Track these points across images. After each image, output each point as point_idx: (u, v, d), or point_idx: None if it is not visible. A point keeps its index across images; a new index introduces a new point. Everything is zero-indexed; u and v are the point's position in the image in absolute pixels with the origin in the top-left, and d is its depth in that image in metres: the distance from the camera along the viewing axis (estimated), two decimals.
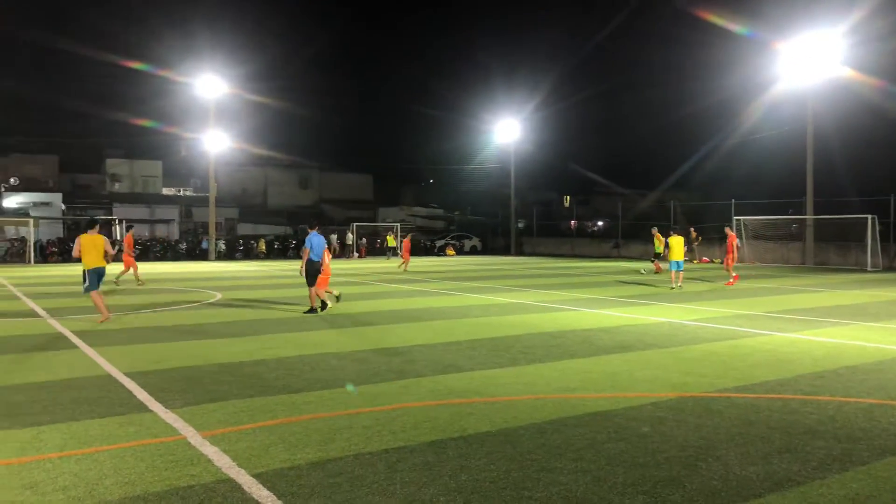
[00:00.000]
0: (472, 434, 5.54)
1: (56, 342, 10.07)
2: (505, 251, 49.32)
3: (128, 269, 21.03)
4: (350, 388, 5.94)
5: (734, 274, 20.82)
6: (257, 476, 4.53)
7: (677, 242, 18.93)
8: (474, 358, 8.82)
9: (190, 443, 5.26)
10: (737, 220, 33.49)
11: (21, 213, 50.19)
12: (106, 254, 12.36)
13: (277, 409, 6.30)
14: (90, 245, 12.28)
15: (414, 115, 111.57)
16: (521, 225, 52.47)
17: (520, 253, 47.84)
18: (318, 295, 13.71)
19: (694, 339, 10.42)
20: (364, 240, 47.38)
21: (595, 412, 6.20)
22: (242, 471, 4.63)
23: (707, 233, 35.19)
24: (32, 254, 36.80)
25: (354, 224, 47.55)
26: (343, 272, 27.97)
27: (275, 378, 7.59)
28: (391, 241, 43.33)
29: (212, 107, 40.92)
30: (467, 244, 51.30)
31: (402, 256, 30.91)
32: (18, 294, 17.71)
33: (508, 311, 13.91)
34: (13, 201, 53.96)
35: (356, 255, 44.78)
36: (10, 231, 45.71)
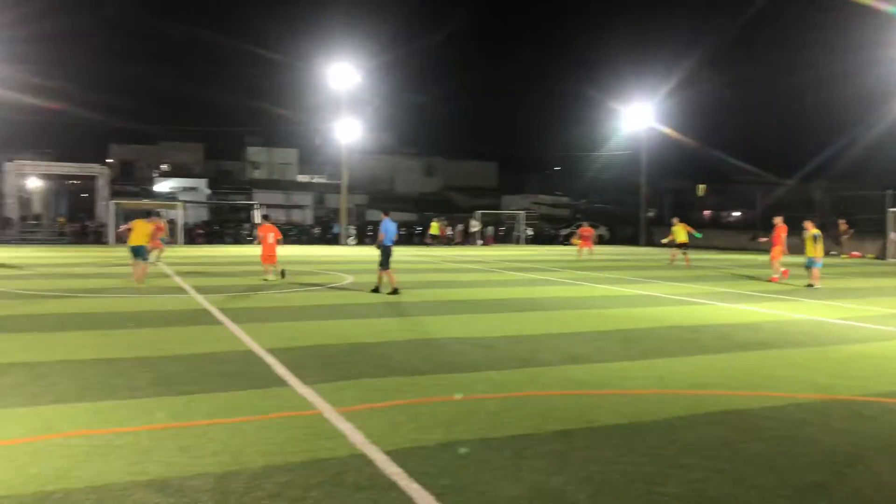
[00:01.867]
0: (600, 426, 5.45)
1: (203, 317, 10.78)
2: (633, 241, 48.00)
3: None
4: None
5: (782, 269, 18.34)
6: (389, 453, 4.67)
7: (811, 237, 17.10)
8: (602, 349, 8.66)
9: (325, 417, 5.49)
10: (893, 212, 30.94)
11: (171, 197, 54.00)
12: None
13: (406, 389, 6.46)
14: (141, 228, 15.97)
15: (540, 102, 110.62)
16: (650, 214, 50.83)
17: (649, 243, 46.42)
18: (387, 276, 14.31)
19: (841, 338, 9.73)
20: (490, 227, 47.56)
21: (730, 410, 5.92)
22: (375, 447, 4.79)
23: (861, 225, 32.76)
24: (181, 235, 39.55)
25: (479, 211, 47.82)
26: (467, 260, 28.24)
27: (403, 360, 7.78)
28: (434, 228, 43.38)
29: (344, 96, 42.28)
30: (594, 233, 50.26)
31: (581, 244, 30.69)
32: (169, 272, 19.11)
33: (637, 303, 13.54)
34: (164, 186, 58.19)
35: (480, 242, 45.04)
36: (162, 213, 49.44)
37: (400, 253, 31.70)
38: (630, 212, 51.89)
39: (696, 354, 8.41)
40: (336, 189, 49.71)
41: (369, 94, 46.32)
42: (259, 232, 17.65)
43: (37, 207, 50.20)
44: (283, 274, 17.25)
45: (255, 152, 68.00)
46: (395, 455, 4.64)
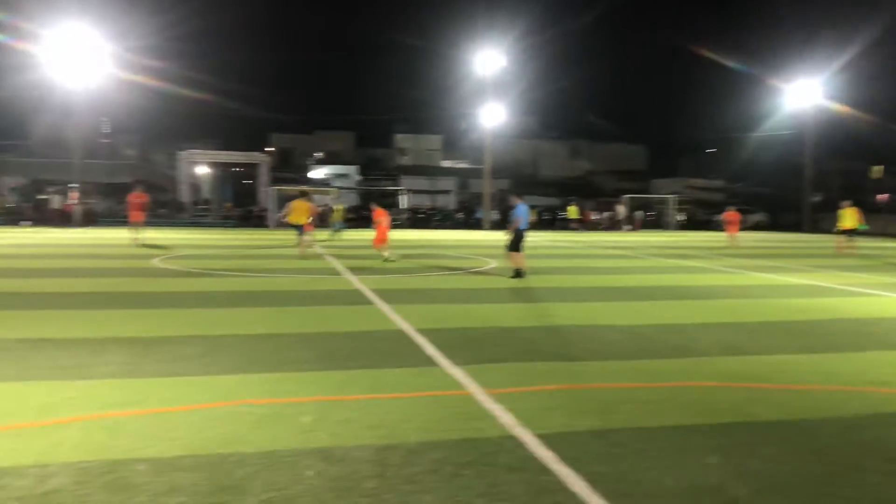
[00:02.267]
0: (761, 421, 5.16)
1: (357, 297, 11.27)
2: (796, 227, 44.88)
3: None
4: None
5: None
6: (540, 437, 4.67)
7: None
8: (761, 341, 8.18)
9: (475, 399, 5.58)
10: None
11: (325, 183, 56.64)
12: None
13: (556, 375, 6.42)
14: (301, 207, 19.28)
15: (693, 82, 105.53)
16: (816, 198, 47.26)
17: (815, 230, 43.22)
18: (512, 260, 14.36)
19: None
20: (639, 212, 46.18)
21: None
22: (525, 430, 4.81)
23: None
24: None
25: (626, 196, 46.54)
26: (614, 245, 27.61)
27: (552, 346, 7.74)
28: (573, 212, 41.85)
29: (490, 81, 42.43)
30: (751, 219, 47.42)
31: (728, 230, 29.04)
32: (324, 254, 20.09)
33: (801, 294, 12.67)
34: (319, 173, 61.15)
35: (628, 227, 43.85)
36: (317, 199, 52.06)
37: (542, 238, 31.52)
38: (793, 196, 48.51)
39: (871, 350, 7.75)
40: (479, 174, 50.11)
41: (514, 79, 46.15)
42: (375, 217, 18.55)
43: (205, 193, 54.43)
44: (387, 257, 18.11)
45: (402, 139, 69.93)
46: (547, 439, 4.63)
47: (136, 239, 23.13)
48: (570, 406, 5.43)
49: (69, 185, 40.64)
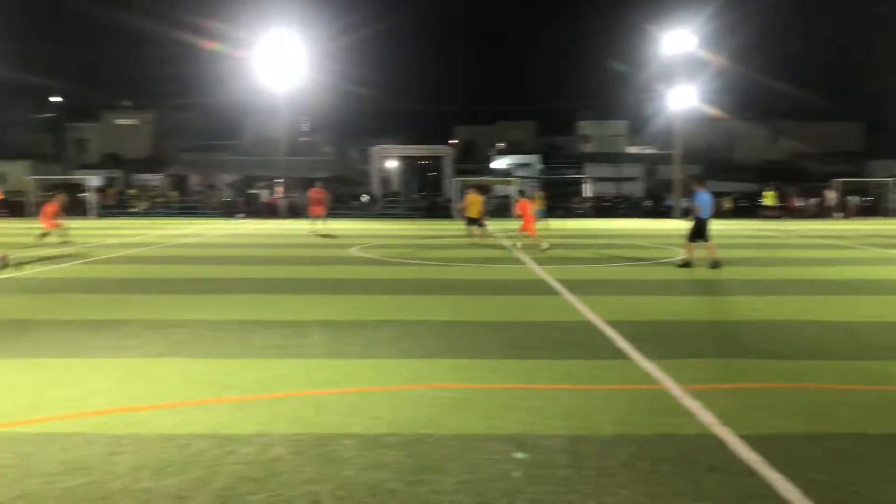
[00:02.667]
0: None
1: (541, 287, 11.25)
2: None
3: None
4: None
5: None
6: (743, 437, 4.40)
7: None
8: None
9: (671, 394, 5.37)
10: None
11: (507, 173, 57.09)
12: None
13: (759, 373, 6.02)
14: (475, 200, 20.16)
15: None
16: None
17: None
18: (688, 250, 13.78)
19: None
20: (854, 197, 41.96)
21: None
22: (726, 429, 4.55)
23: None
24: (516, 209, 41.64)
25: (837, 180, 42.48)
26: (822, 234, 25.35)
27: (754, 341, 7.26)
28: (770, 198, 37.77)
29: (679, 62, 40.49)
30: None
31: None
32: (507, 244, 20.27)
33: None
34: (501, 163, 61.75)
35: (839, 214, 40.03)
36: (498, 189, 52.68)
37: (739, 227, 29.59)
38: None
39: None
40: (668, 160, 48.03)
41: (706, 58, 43.61)
42: (519, 208, 18.70)
43: (395, 185, 56.93)
44: (517, 246, 18.26)
45: (585, 126, 68.72)
46: (752, 440, 4.35)
47: (314, 231, 24.68)
48: (777, 406, 5.06)
49: (275, 181, 44.28)
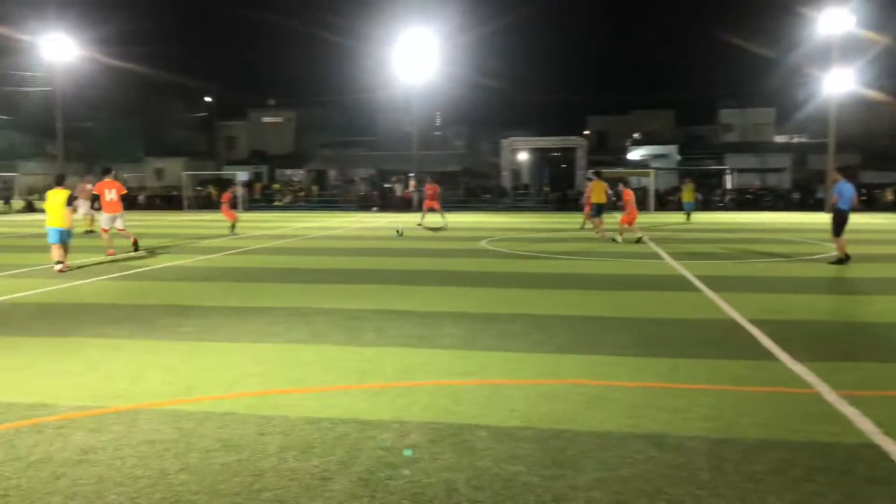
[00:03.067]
0: None
1: (680, 283, 10.85)
2: None
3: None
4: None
5: None
6: None
7: None
8: None
9: (824, 399, 5.03)
10: None
11: (642, 164, 55.39)
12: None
13: None
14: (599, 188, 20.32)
15: None
16: None
17: None
18: (838, 245, 12.97)
19: None
20: None
21: None
22: (890, 439, 4.21)
23: None
24: (652, 202, 40.37)
25: None
26: None
27: None
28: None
29: (835, 43, 37.63)
30: None
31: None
32: (644, 238, 19.69)
33: None
34: (636, 154, 59.98)
35: None
36: (633, 181, 51.16)
37: None
38: None
39: None
40: (820, 149, 44.84)
41: (867, 38, 40.22)
42: (624, 198, 18.05)
43: (525, 178, 56.69)
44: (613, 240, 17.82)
45: (727, 114, 65.37)
46: None
47: (423, 223, 25.09)
48: None
49: (408, 175, 45.32)
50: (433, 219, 25.79)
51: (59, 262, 12.40)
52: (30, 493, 3.59)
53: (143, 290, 10.27)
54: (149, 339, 7.01)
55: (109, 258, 14.23)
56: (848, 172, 13.56)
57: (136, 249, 15.14)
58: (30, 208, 41.17)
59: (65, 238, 12.60)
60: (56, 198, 12.69)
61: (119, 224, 15.00)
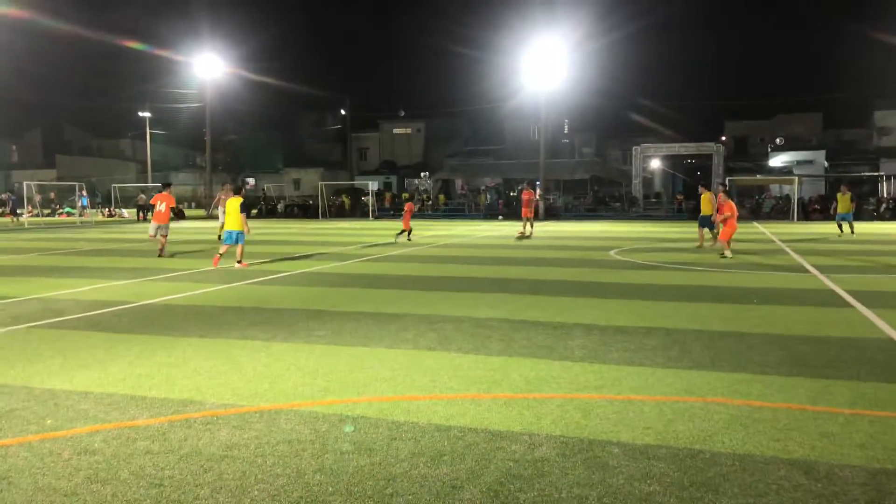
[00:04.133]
0: None
1: (830, 299, 10.11)
2: None
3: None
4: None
5: None
6: None
7: None
8: None
9: None
10: None
11: (785, 171, 52.27)
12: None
13: None
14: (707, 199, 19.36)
15: None
16: None
17: None
18: None
19: None
20: None
21: None
22: None
23: None
24: (796, 211, 38.00)
25: None
26: None
27: None
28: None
29: None
30: None
31: None
32: (787, 249, 18.53)
33: None
34: (778, 160, 56.70)
35: None
36: (775, 189, 48.31)
37: None
38: None
39: None
40: None
41: None
42: (725, 210, 16.31)
43: (657, 186, 54.94)
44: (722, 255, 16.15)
45: (883, 116, 60.49)
46: None
47: (521, 232, 24.43)
48: None
49: (535, 182, 45.12)
50: (527, 227, 24.86)
51: (238, 262, 14.57)
52: (181, 483, 3.83)
53: (283, 295, 10.79)
54: (287, 342, 7.34)
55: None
56: None
57: (160, 255, 16.67)
58: (179, 216, 44.35)
59: (238, 239, 14.51)
60: (233, 204, 14.53)
61: (161, 233, 16.60)
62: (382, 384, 5.73)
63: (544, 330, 7.85)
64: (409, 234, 22.25)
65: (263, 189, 57.48)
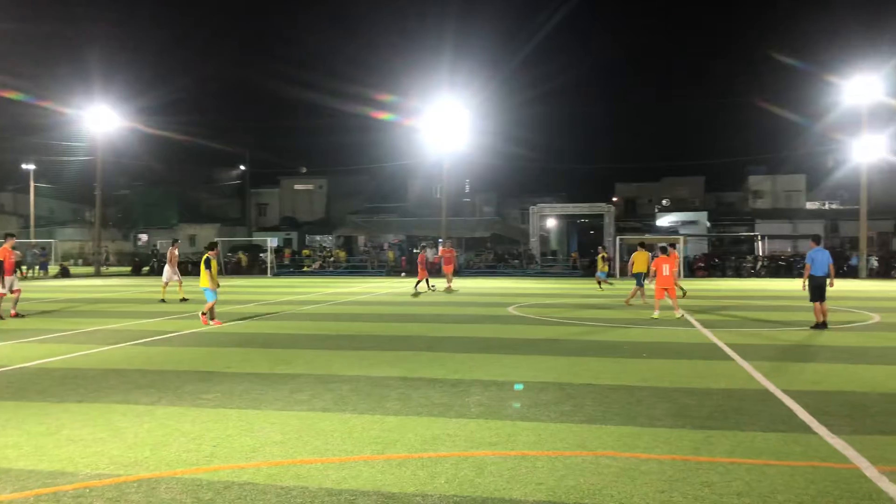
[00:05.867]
0: None
1: (712, 352, 10.61)
2: None
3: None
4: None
5: None
6: None
7: None
8: None
9: (865, 474, 4.81)
10: None
11: (671, 231, 55.11)
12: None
13: None
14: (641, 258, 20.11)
15: None
16: None
17: None
18: (817, 312, 13.54)
19: None
20: None
21: None
22: None
23: None
24: (682, 269, 39.95)
25: None
26: None
27: None
28: None
29: (863, 111, 37.63)
30: None
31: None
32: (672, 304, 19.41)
33: None
34: (665, 220, 59.77)
35: None
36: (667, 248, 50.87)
37: None
38: None
39: None
40: (853, 215, 44.36)
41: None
42: (653, 265, 16.47)
43: (553, 244, 56.66)
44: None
45: (757, 181, 65.24)
46: None
47: (449, 287, 26.38)
48: None
49: (437, 240, 45.59)
50: (451, 283, 26.84)
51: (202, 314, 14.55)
52: None
53: (171, 356, 10.32)
54: (173, 406, 6.99)
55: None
56: (819, 240, 14.36)
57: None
58: (64, 273, 42.01)
59: (207, 296, 14.43)
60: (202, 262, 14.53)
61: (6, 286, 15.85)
62: (273, 448, 5.54)
63: (442, 387, 7.84)
64: (427, 281, 25.66)
65: (153, 246, 55.41)
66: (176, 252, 21.58)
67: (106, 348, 11.11)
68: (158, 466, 5.06)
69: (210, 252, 14.64)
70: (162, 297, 21.29)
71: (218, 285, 14.57)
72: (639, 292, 19.99)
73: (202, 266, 14.42)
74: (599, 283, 27.65)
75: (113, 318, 15.74)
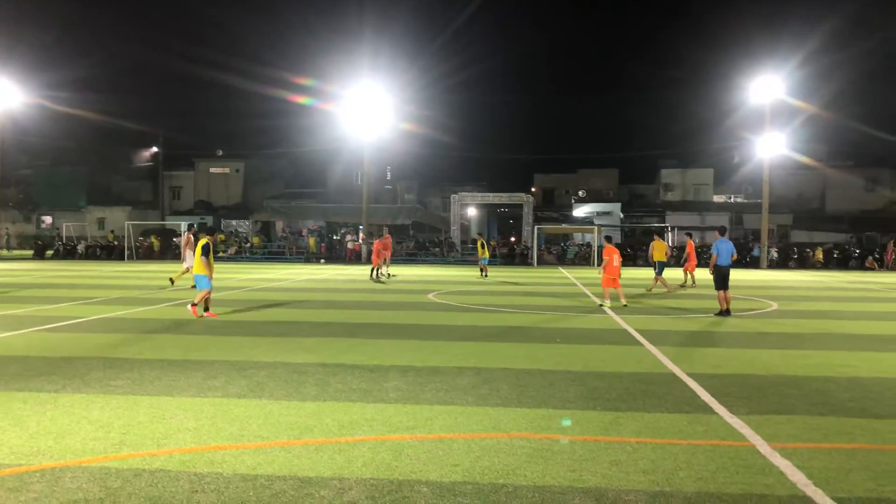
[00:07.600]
0: None
1: (622, 337, 11.01)
2: None
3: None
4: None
5: None
6: (838, 500, 4.15)
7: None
8: None
9: (759, 451, 5.13)
10: None
11: (587, 221, 56.59)
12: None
13: (854, 432, 5.68)
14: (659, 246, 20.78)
15: None
16: None
17: None
18: (721, 300, 14.16)
19: None
20: None
21: None
22: (819, 491, 4.31)
23: None
24: (596, 257, 41.08)
25: None
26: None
27: (848, 399, 6.87)
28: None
29: (767, 109, 39.54)
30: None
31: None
32: (587, 292, 19.98)
33: None
34: (581, 211, 61.30)
35: None
36: (578, 237, 52.18)
37: (829, 279, 28.24)
38: None
39: None
40: (756, 209, 46.64)
41: (796, 105, 42.39)
42: (604, 255, 16.38)
43: (473, 232, 57.15)
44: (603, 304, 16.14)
45: (668, 174, 67.65)
46: (847, 503, 4.09)
47: (390, 273, 26.97)
48: (877, 469, 4.75)
49: (357, 227, 45.31)
50: (384, 270, 27.21)
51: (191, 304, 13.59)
52: None
53: (77, 342, 9.93)
54: (79, 393, 6.75)
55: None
56: (724, 231, 15.27)
57: None
58: None
59: (198, 284, 13.68)
60: (198, 247, 13.62)
61: None
62: (185, 435, 5.43)
63: (361, 373, 7.85)
64: (377, 270, 25.49)
65: (58, 229, 52.87)
66: (191, 237, 20.36)
67: (6, 334, 10.57)
68: (63, 455, 4.89)
69: (208, 237, 13.59)
70: (171, 279, 21.12)
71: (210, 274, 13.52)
72: (660, 281, 20.68)
73: (198, 251, 13.43)
74: (482, 269, 28.15)
75: (14, 304, 14.97)
